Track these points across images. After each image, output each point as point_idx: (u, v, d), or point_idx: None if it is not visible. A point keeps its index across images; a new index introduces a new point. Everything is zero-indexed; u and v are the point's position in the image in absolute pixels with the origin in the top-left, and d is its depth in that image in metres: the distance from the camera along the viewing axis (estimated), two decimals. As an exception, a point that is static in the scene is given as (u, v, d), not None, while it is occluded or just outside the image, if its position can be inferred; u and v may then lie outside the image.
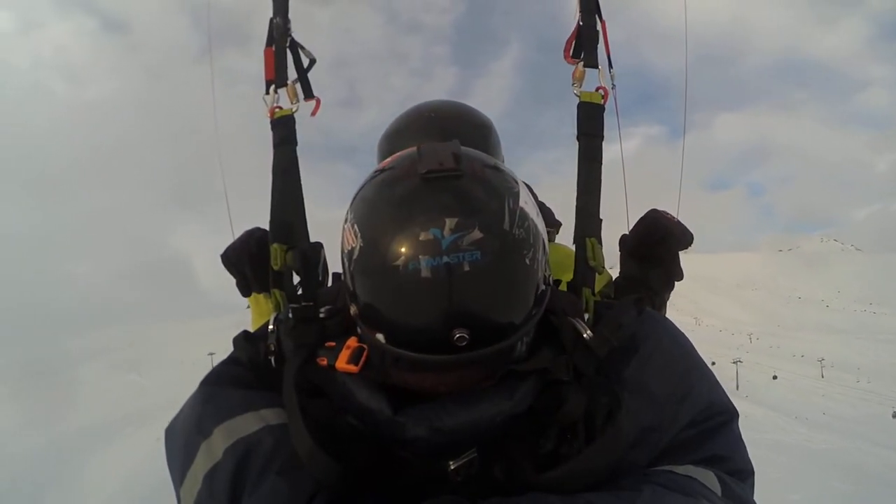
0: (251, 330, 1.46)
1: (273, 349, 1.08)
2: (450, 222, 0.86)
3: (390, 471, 0.94)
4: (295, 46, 1.42)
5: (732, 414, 1.02)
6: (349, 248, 0.96)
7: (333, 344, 1.00)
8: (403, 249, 0.86)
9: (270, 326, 1.11)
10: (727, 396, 1.03)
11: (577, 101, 1.20)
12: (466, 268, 0.84)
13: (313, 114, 1.46)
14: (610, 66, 1.26)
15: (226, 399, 1.01)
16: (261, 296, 1.72)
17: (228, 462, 0.90)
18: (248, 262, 1.65)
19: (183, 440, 0.99)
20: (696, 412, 0.98)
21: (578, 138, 1.17)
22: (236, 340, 1.14)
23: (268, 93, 1.37)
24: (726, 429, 1.00)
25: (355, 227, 0.95)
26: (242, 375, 1.07)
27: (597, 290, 1.15)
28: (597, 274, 1.13)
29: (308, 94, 1.43)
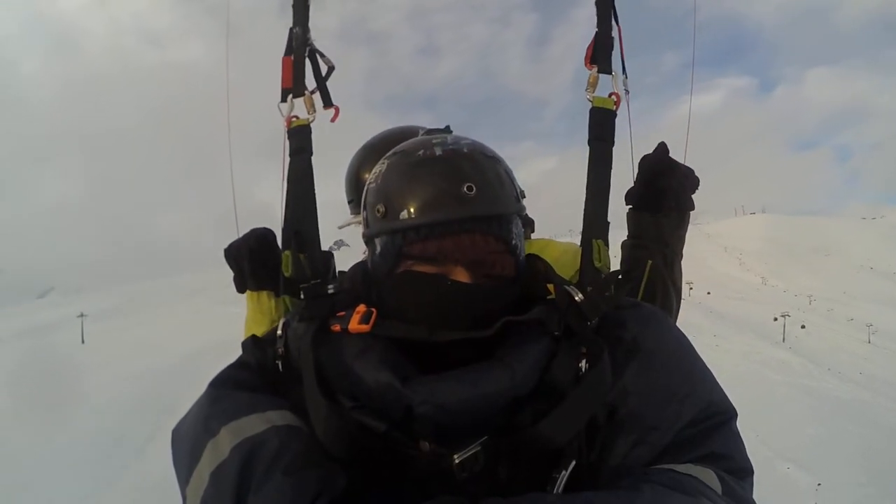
0: (244, 324, 1.67)
1: (281, 353, 1.09)
2: (451, 138, 1.09)
3: (395, 470, 0.94)
4: (314, 55, 1.45)
5: (732, 414, 1.01)
6: (372, 177, 1.11)
7: (343, 313, 1.04)
8: (422, 149, 1.06)
9: (279, 332, 1.12)
10: (727, 396, 1.03)
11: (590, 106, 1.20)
12: (465, 150, 1.05)
13: (333, 120, 1.46)
14: (624, 72, 1.27)
15: (233, 401, 1.00)
16: (263, 293, 1.74)
17: (234, 460, 0.90)
18: (248, 257, 1.68)
19: (190, 439, 0.99)
20: (696, 412, 0.97)
21: (590, 142, 1.18)
22: (245, 345, 1.15)
23: (284, 101, 1.39)
24: (725, 428, 0.99)
25: (381, 162, 1.12)
26: (249, 379, 1.07)
27: None
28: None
29: (327, 102, 1.46)
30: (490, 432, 0.93)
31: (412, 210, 1.00)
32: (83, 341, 26.68)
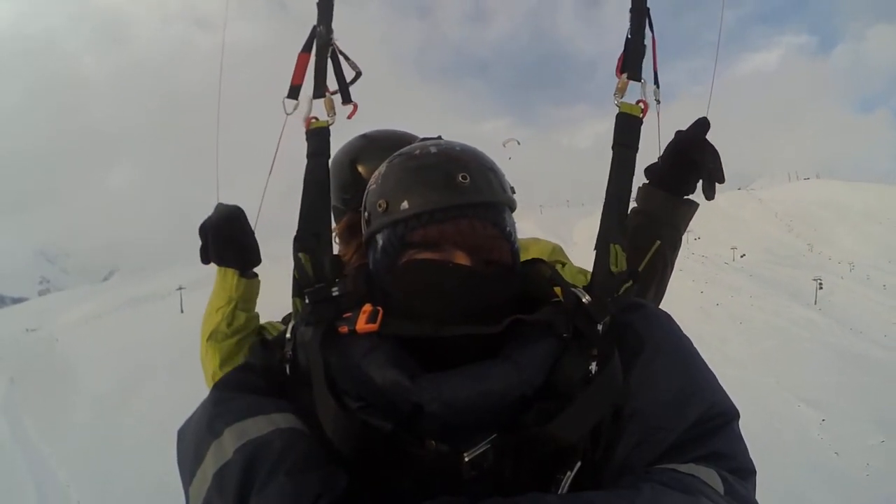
0: (210, 297, 1.81)
1: (289, 356, 1.09)
2: (444, 142, 1.16)
3: (401, 468, 0.94)
4: (336, 56, 1.45)
5: (734, 415, 1.00)
6: (372, 180, 1.14)
7: (350, 314, 1.04)
8: (418, 149, 1.11)
9: (288, 335, 1.12)
10: (729, 398, 1.02)
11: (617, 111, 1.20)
12: (458, 149, 1.10)
13: (350, 117, 1.47)
14: (656, 82, 1.25)
15: (237, 403, 1.00)
16: (228, 271, 1.76)
17: (238, 461, 0.90)
18: (210, 233, 1.70)
19: (194, 440, 0.99)
20: (699, 413, 0.96)
21: (614, 147, 1.17)
22: (253, 347, 1.17)
23: (291, 97, 1.40)
24: (727, 428, 0.98)
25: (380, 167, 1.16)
26: (254, 382, 1.07)
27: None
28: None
29: (347, 99, 1.46)
30: (497, 431, 0.92)
31: (413, 200, 1.04)
32: (182, 311, 29.45)
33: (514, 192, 1.17)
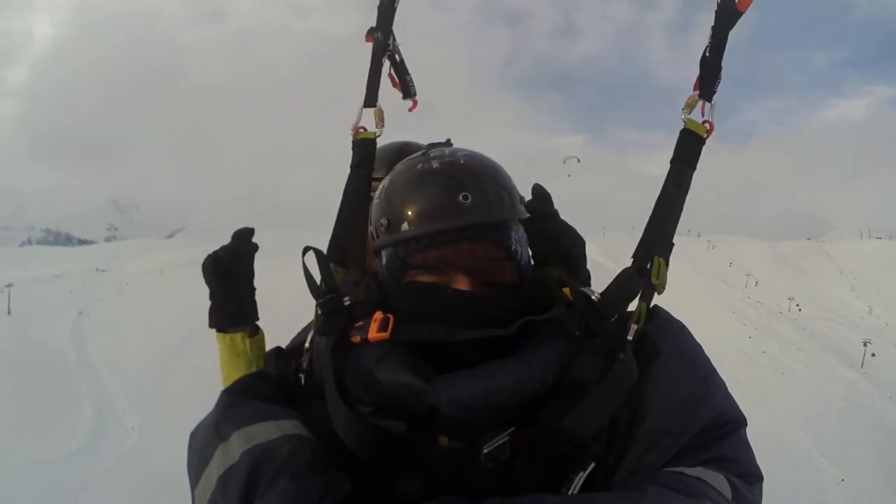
0: (221, 367, 1.67)
1: (305, 366, 1.11)
2: (449, 151, 1.11)
3: (414, 467, 0.96)
4: (394, 57, 1.39)
5: (742, 423, 1.01)
6: (377, 194, 1.14)
7: (361, 323, 1.04)
8: (420, 163, 1.09)
9: (307, 345, 1.13)
10: (738, 406, 1.03)
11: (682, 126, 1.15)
12: (462, 161, 1.07)
13: (410, 110, 1.46)
14: (712, 100, 1.16)
15: (245, 408, 1.02)
16: (237, 336, 1.60)
17: (244, 464, 0.91)
18: (214, 284, 1.58)
19: (202, 442, 1.00)
20: (708, 419, 0.97)
21: (672, 162, 1.14)
22: (268, 356, 1.18)
23: (368, 37, 1.36)
24: (735, 435, 0.99)
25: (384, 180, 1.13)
26: (264, 389, 1.09)
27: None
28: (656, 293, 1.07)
29: (407, 94, 1.44)
30: (513, 426, 0.95)
31: (413, 221, 1.03)
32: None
33: (523, 203, 1.17)
